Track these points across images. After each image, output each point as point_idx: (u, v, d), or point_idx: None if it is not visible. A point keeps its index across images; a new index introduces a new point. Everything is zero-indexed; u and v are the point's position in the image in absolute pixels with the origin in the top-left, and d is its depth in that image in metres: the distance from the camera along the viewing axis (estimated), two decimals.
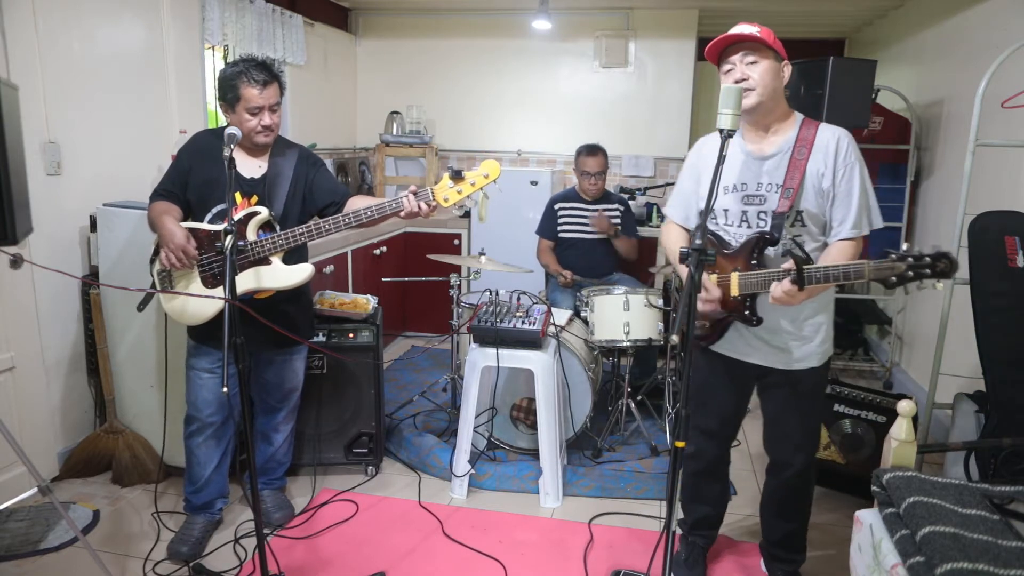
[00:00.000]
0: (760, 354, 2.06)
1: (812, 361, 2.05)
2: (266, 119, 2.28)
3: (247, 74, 2.23)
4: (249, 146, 2.35)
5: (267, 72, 2.27)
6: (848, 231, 1.92)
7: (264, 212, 2.26)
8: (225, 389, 1.77)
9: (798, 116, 2.01)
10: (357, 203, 2.35)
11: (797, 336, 2.03)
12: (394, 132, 5.28)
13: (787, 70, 1.95)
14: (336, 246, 3.93)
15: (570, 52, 5.25)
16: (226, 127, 2.35)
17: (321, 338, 2.88)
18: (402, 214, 2.17)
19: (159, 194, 2.36)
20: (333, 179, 2.55)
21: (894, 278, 1.68)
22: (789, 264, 1.79)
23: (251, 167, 2.37)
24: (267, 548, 2.02)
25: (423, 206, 2.16)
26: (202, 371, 2.42)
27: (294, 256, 2.35)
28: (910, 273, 1.67)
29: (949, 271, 1.65)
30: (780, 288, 1.80)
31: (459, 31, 5.33)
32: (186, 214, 2.36)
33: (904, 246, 1.70)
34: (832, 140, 1.93)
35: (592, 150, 3.83)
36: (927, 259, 1.65)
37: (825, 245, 1.99)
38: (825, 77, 3.52)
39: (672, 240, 2.20)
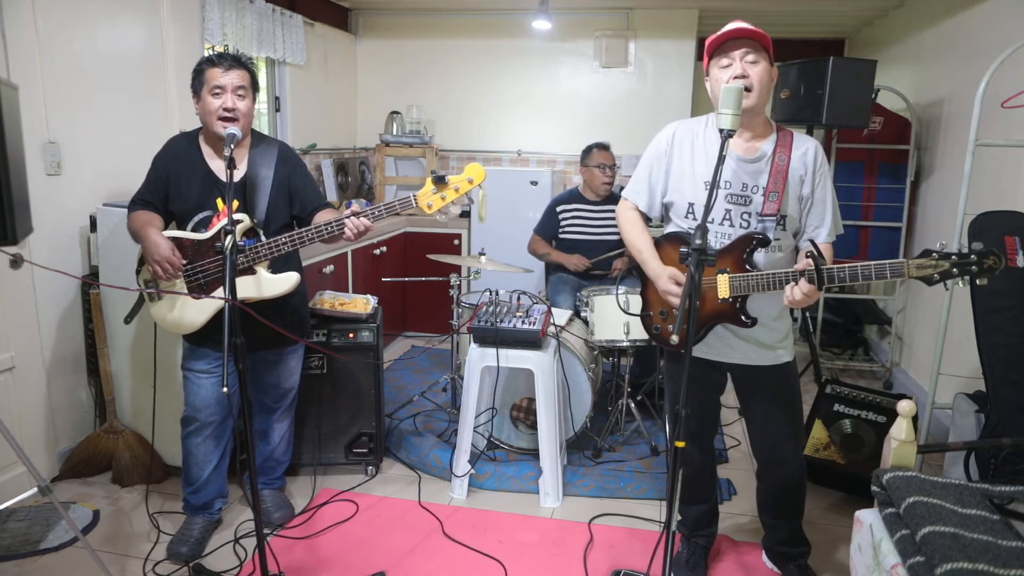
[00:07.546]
0: (738, 353, 2.09)
1: (787, 355, 2.11)
2: (228, 101, 2.22)
3: (211, 57, 2.26)
4: (216, 140, 2.29)
5: (232, 58, 2.27)
6: (825, 237, 2.02)
7: (246, 220, 2.25)
8: (225, 389, 1.77)
9: (773, 123, 2.06)
10: (322, 217, 2.33)
11: (773, 331, 2.07)
12: (394, 132, 5.28)
13: (775, 74, 2.00)
14: (335, 246, 3.92)
15: (570, 52, 5.25)
16: (200, 129, 2.35)
17: (321, 338, 2.88)
18: (348, 236, 2.19)
19: (137, 203, 2.33)
20: (313, 185, 2.52)
21: (937, 275, 1.71)
22: (803, 264, 1.82)
23: None
24: (267, 548, 2.02)
25: (365, 222, 2.20)
26: (200, 372, 2.40)
27: (280, 263, 2.33)
28: (955, 271, 1.69)
29: (998, 266, 1.66)
30: (800, 289, 1.81)
31: (459, 31, 5.33)
32: (166, 222, 2.34)
33: (939, 244, 1.71)
34: (810, 149, 2.01)
35: (603, 144, 3.89)
36: (973, 256, 1.67)
37: (796, 249, 2.06)
38: (825, 77, 3.53)
39: (630, 222, 2.15)
